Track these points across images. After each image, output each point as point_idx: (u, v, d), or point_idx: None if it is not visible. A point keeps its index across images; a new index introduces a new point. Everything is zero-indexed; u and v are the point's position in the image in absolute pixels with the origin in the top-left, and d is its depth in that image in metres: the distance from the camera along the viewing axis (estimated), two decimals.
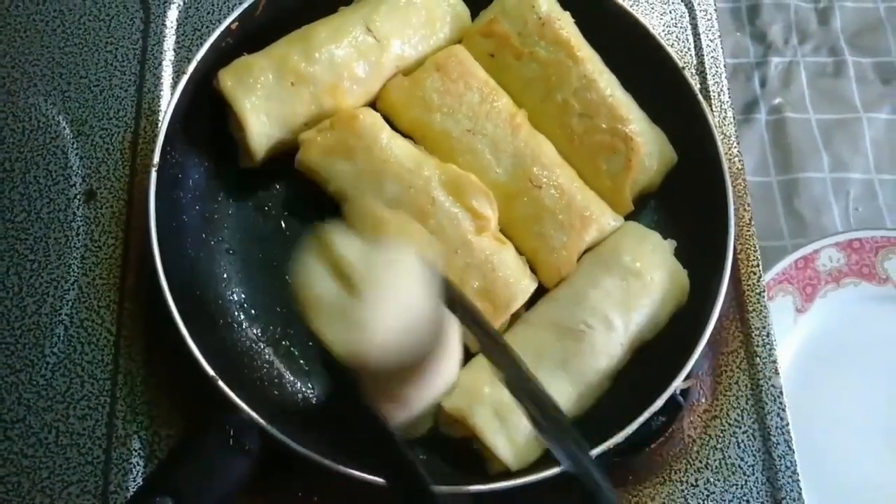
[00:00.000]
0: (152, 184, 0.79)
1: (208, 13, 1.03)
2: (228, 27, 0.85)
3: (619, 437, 0.74)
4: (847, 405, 1.07)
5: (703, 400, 0.91)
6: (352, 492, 0.78)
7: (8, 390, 0.85)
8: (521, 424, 0.72)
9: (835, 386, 1.08)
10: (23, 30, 1.01)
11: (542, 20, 0.87)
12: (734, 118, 1.05)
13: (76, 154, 0.96)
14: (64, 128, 0.97)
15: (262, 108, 0.82)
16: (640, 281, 0.79)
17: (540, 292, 0.84)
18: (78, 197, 0.94)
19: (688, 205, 0.90)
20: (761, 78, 1.30)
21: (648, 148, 0.87)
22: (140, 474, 0.82)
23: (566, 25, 0.88)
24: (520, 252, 0.83)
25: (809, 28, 1.36)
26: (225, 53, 0.86)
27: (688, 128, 0.89)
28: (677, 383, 0.76)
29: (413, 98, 0.86)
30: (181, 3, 1.03)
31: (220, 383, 0.72)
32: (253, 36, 0.87)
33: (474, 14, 0.93)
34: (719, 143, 0.88)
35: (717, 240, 0.84)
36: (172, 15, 1.02)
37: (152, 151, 0.85)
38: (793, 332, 1.12)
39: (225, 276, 0.87)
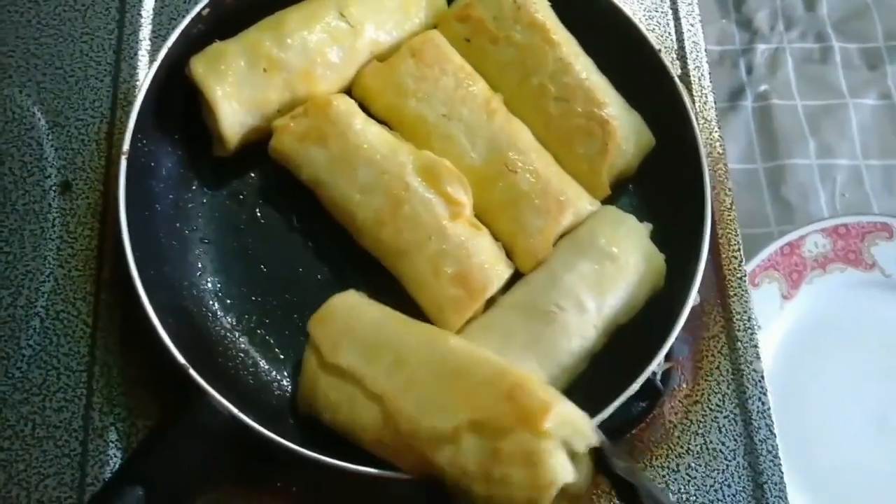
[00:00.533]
0: (122, 172, 0.78)
1: (184, 1, 1.02)
2: (199, 13, 0.85)
3: (596, 421, 0.73)
4: (833, 391, 1.08)
5: (685, 385, 0.90)
6: (330, 481, 0.78)
7: None
8: None
9: (821, 372, 1.09)
10: None
11: (518, 4, 0.86)
12: (715, 103, 1.04)
13: (51, 145, 0.95)
14: (39, 119, 0.96)
15: (234, 95, 0.81)
16: (616, 264, 0.79)
17: (516, 278, 0.83)
18: (53, 188, 0.93)
19: (666, 189, 0.90)
20: (747, 65, 1.29)
21: (625, 132, 0.86)
22: (117, 466, 0.82)
23: (541, 9, 0.87)
24: (496, 237, 0.82)
25: (796, 14, 1.35)
26: (197, 40, 0.85)
27: (666, 112, 0.89)
28: (654, 367, 0.75)
29: (388, 84, 0.85)
30: None
31: (192, 372, 0.72)
32: (225, 22, 0.86)
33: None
34: (696, 127, 0.87)
35: (695, 224, 0.84)
36: (148, 4, 1.02)
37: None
38: (779, 319, 1.12)
39: (199, 265, 0.87)
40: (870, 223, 1.18)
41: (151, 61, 0.97)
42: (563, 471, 0.63)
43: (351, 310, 0.77)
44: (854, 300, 1.15)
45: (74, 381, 0.85)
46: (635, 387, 0.75)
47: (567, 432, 0.64)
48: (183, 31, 0.83)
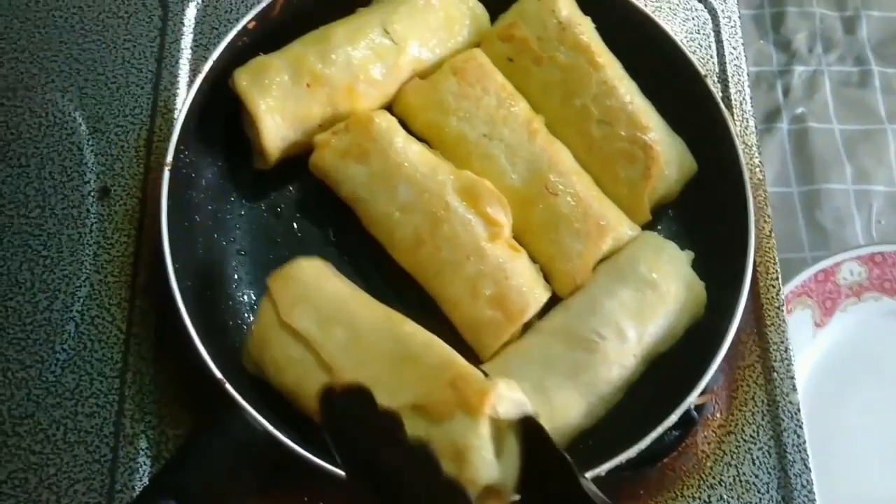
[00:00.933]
0: (165, 183, 0.79)
1: (226, 11, 1.03)
2: (245, 26, 0.85)
3: (631, 452, 0.72)
4: (865, 422, 1.05)
5: (718, 415, 0.89)
6: (358, 499, 0.78)
7: (17, 386, 0.85)
8: None
9: (853, 402, 1.06)
10: (42, 26, 1.02)
11: (562, 25, 0.86)
12: (756, 128, 1.03)
13: (91, 151, 0.96)
14: (80, 124, 0.97)
15: (277, 108, 0.81)
16: (656, 292, 0.77)
17: (554, 301, 0.82)
18: (92, 194, 0.94)
19: (707, 215, 0.88)
20: (784, 87, 1.27)
21: (668, 157, 0.85)
22: (147, 474, 0.82)
23: (586, 31, 0.87)
24: (534, 260, 0.82)
25: (835, 37, 1.33)
26: (241, 53, 0.85)
27: (709, 137, 0.88)
28: (692, 399, 0.74)
29: (429, 101, 0.85)
30: (199, 1, 1.03)
31: (228, 386, 0.72)
32: (270, 35, 0.87)
33: (493, 17, 0.92)
34: (741, 153, 0.86)
35: (737, 252, 0.83)
36: (191, 13, 1.02)
37: (167, 150, 0.85)
38: (811, 347, 1.09)
39: (236, 276, 0.87)
40: None
41: (192, 70, 0.99)
42: (487, 470, 0.62)
43: (316, 277, 0.78)
44: (889, 330, 1.12)
45: (107, 387, 0.85)
46: (673, 418, 0.73)
47: (507, 407, 0.63)
48: (228, 44, 0.84)
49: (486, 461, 0.62)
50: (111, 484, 0.82)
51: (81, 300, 0.89)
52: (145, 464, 0.82)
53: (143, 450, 0.83)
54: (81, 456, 0.83)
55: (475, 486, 0.61)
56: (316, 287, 0.77)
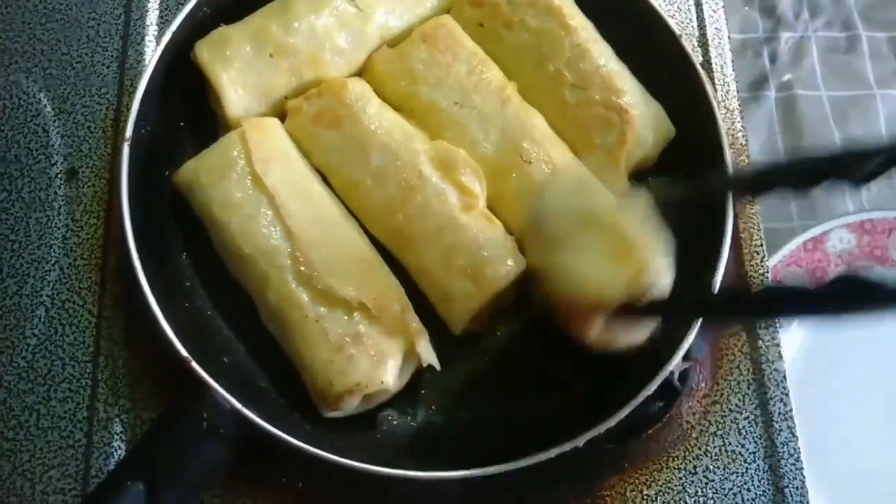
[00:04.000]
0: (125, 160, 0.77)
1: None
2: None
3: (611, 422, 0.71)
4: (855, 392, 1.04)
5: (703, 385, 0.87)
6: (336, 477, 0.76)
7: None
8: None
9: (843, 373, 1.05)
10: (4, 6, 0.99)
11: None
12: (738, 92, 1.00)
13: (57, 132, 0.94)
14: (45, 105, 0.95)
15: (240, 80, 0.79)
16: None
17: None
18: (59, 176, 0.92)
19: (686, 181, 0.86)
20: (771, 54, 1.25)
21: (644, 121, 0.83)
22: (121, 457, 0.81)
23: None
24: (508, 229, 0.80)
25: (821, 2, 1.30)
26: (203, 24, 0.83)
27: (686, 100, 0.85)
28: (672, 366, 0.72)
29: (399, 70, 0.83)
30: None
31: (194, 364, 0.70)
32: (231, 6, 0.84)
33: None
34: (719, 117, 0.83)
35: (716, 218, 0.80)
36: None
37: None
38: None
39: (205, 258, 0.85)
40: None
41: (158, 47, 0.96)
42: (391, 378, 0.73)
43: (289, 144, 0.81)
44: None
45: (79, 372, 0.84)
46: (652, 388, 0.72)
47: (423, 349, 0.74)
48: (188, 16, 0.81)
49: (393, 372, 0.73)
50: (86, 468, 0.80)
51: (51, 284, 0.87)
52: (120, 447, 0.81)
53: (117, 434, 0.81)
54: (55, 441, 0.81)
55: (382, 387, 0.72)
56: (288, 153, 0.80)
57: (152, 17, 0.99)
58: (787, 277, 1.11)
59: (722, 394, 0.87)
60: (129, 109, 0.79)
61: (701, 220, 0.83)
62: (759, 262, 0.93)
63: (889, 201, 1.17)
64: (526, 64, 0.84)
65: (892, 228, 1.13)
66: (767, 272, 0.93)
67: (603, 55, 0.83)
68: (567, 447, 0.70)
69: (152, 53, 0.94)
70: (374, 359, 0.71)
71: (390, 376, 0.72)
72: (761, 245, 0.93)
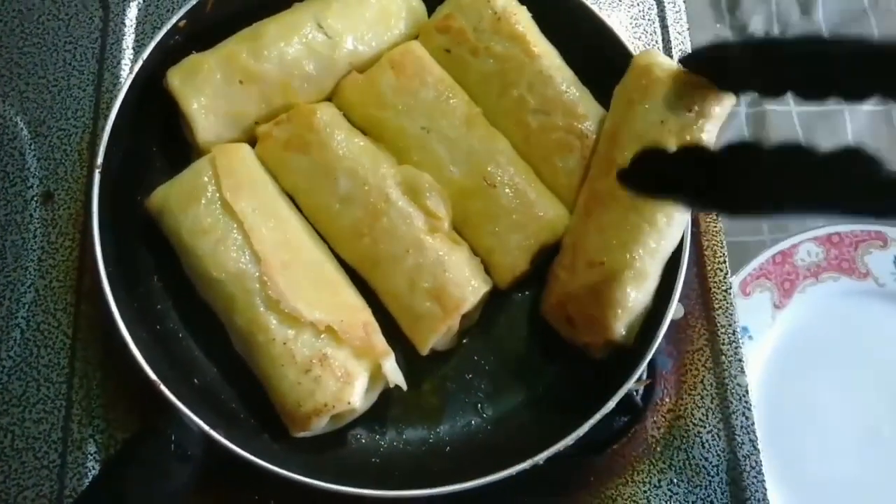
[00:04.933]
0: (95, 186, 0.78)
1: (167, 11, 1.02)
2: (176, 24, 0.84)
3: (570, 439, 0.72)
4: (825, 401, 1.06)
5: (668, 399, 0.89)
6: (306, 496, 0.78)
7: None
8: None
9: (813, 382, 1.07)
10: None
11: (498, 15, 0.85)
12: None
13: (34, 155, 0.95)
14: (21, 129, 0.96)
15: (211, 107, 0.81)
16: None
17: (494, 293, 0.82)
18: (35, 199, 0.93)
19: None
20: None
21: None
22: (91, 479, 0.81)
23: (522, 20, 0.86)
24: (474, 251, 0.82)
25: (791, 19, 1.33)
26: (174, 51, 0.84)
27: None
28: (629, 385, 0.74)
29: (368, 96, 0.85)
30: (140, 2, 1.02)
31: (163, 388, 0.71)
32: (203, 34, 0.86)
33: (430, 10, 0.91)
34: None
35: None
36: (131, 13, 1.01)
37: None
38: (771, 328, 1.10)
39: (174, 282, 0.86)
40: (863, 231, 1.16)
41: (130, 74, 0.98)
42: (358, 398, 0.75)
43: (257, 167, 0.83)
44: (847, 309, 1.13)
45: (54, 393, 0.85)
46: (611, 405, 0.74)
47: (389, 370, 0.76)
48: (159, 43, 0.83)
49: (359, 392, 0.75)
50: (60, 489, 0.81)
51: (27, 306, 0.89)
52: (94, 468, 0.82)
53: (91, 454, 0.83)
54: (30, 462, 0.82)
55: (348, 406, 0.74)
56: (258, 178, 0.82)
57: (128, 41, 1.00)
58: (756, 290, 1.14)
59: (686, 408, 0.89)
60: (102, 135, 0.81)
61: None
62: (721, 278, 0.95)
63: None
64: (491, 89, 0.86)
65: (859, 241, 1.16)
66: (730, 289, 0.95)
67: (565, 81, 0.86)
68: (527, 465, 0.71)
69: (125, 80, 0.97)
70: (341, 380, 0.73)
71: (357, 397, 0.74)
72: (724, 262, 0.96)
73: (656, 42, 1.05)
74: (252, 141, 0.84)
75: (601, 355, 0.78)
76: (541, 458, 0.71)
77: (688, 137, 0.72)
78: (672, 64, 0.77)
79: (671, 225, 0.76)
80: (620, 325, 0.75)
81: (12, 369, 0.86)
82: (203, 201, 0.78)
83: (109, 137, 0.79)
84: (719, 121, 0.75)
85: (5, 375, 0.86)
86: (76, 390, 0.85)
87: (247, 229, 0.76)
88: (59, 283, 0.90)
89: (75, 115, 0.97)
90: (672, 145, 0.72)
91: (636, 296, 0.76)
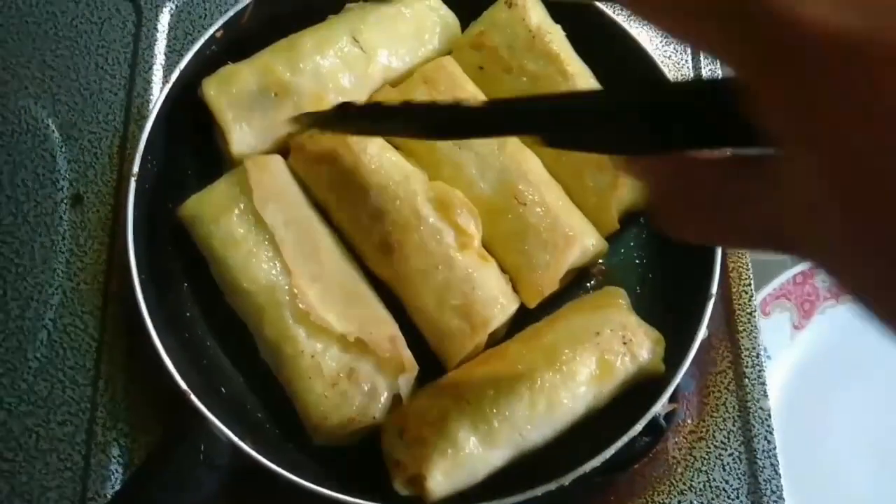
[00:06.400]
0: (131, 194, 0.79)
1: (200, 17, 1.03)
2: (213, 35, 0.85)
3: (594, 463, 0.73)
4: (842, 423, 1.06)
5: (690, 421, 0.89)
6: None
7: None
8: None
9: (831, 403, 1.07)
10: (15, 32, 1.01)
11: (533, 33, 0.85)
12: None
13: (64, 157, 0.96)
14: (53, 131, 0.97)
15: (245, 118, 0.81)
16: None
17: (522, 311, 0.83)
18: (65, 201, 0.94)
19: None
20: None
21: None
22: (118, 481, 0.82)
23: (556, 39, 0.86)
24: (502, 269, 0.82)
25: None
26: (210, 61, 0.85)
27: None
28: (657, 408, 0.74)
29: None
30: (173, 7, 1.03)
31: (193, 397, 0.72)
32: (239, 44, 0.86)
33: (464, 26, 0.92)
34: None
35: (704, 260, 0.83)
36: (164, 18, 1.02)
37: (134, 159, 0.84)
38: (790, 349, 1.10)
39: (206, 289, 0.86)
40: None
41: (166, 76, 0.99)
42: (382, 410, 0.75)
43: (288, 179, 0.83)
44: (866, 332, 1.12)
45: (79, 395, 0.86)
46: (638, 428, 0.74)
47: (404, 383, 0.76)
48: (196, 53, 0.83)
49: (385, 405, 0.75)
50: (83, 491, 0.82)
51: (54, 308, 0.89)
52: (117, 471, 0.83)
53: (114, 457, 0.83)
54: (53, 463, 0.83)
55: (372, 422, 0.74)
56: (290, 190, 0.82)
57: (160, 46, 1.01)
58: (776, 310, 1.13)
59: (707, 430, 0.89)
60: (136, 141, 0.81)
61: (689, 260, 0.85)
62: (746, 301, 0.95)
63: None
64: None
65: None
66: (754, 312, 0.95)
67: None
68: (553, 486, 0.71)
69: (161, 83, 0.98)
70: (368, 394, 0.73)
71: (382, 411, 0.74)
72: (749, 285, 0.96)
73: (686, 62, 1.05)
74: (285, 152, 0.85)
75: (402, 489, 0.72)
76: (567, 479, 0.71)
77: None
78: None
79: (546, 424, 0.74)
80: (438, 471, 0.70)
81: (38, 370, 0.87)
82: (235, 212, 0.78)
83: (145, 146, 0.79)
84: None
85: (31, 376, 0.86)
86: (101, 393, 0.86)
87: (278, 241, 0.76)
88: (87, 286, 0.90)
89: (106, 118, 0.97)
90: None
91: (476, 450, 0.71)
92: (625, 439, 0.73)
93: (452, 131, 0.56)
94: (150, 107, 0.90)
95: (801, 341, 1.11)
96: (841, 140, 0.25)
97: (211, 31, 0.84)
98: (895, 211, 0.25)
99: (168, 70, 0.99)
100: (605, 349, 0.75)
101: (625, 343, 0.76)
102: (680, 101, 0.35)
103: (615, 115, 0.38)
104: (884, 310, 0.28)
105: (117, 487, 0.82)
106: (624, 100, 0.38)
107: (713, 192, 0.33)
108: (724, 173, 0.33)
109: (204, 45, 0.84)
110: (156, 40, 1.01)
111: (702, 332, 0.78)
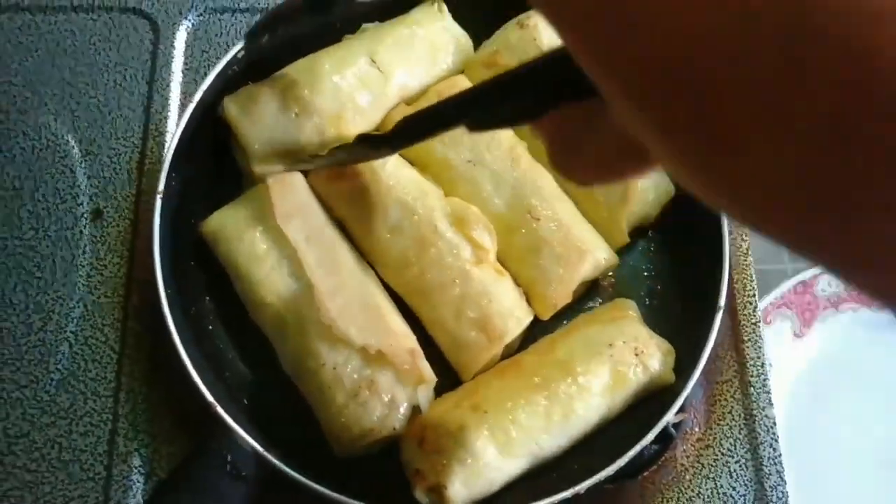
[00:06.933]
0: (157, 212, 0.81)
1: (216, 35, 1.05)
2: (235, 55, 0.87)
3: (608, 471, 0.75)
4: (844, 430, 1.08)
5: (697, 429, 0.92)
6: None
7: (13, 405, 0.87)
8: None
9: (833, 411, 1.09)
10: (35, 50, 1.03)
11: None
12: None
13: (84, 173, 0.98)
14: (73, 147, 0.99)
15: (267, 137, 0.83)
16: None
17: (535, 323, 0.85)
18: (85, 216, 0.96)
19: (684, 236, 0.91)
20: None
21: (645, 181, 0.87)
22: (140, 491, 0.84)
23: None
24: (516, 282, 0.84)
25: None
26: (231, 82, 0.87)
27: None
28: (668, 418, 0.77)
29: None
30: (189, 25, 1.05)
31: (220, 410, 0.74)
32: (259, 63, 0.88)
33: (477, 45, 0.94)
34: None
35: (712, 273, 0.85)
36: (181, 36, 1.04)
37: (158, 173, 0.87)
38: (791, 357, 1.12)
39: (227, 302, 0.88)
40: None
41: (183, 93, 1.01)
42: (401, 420, 0.77)
43: (308, 194, 0.85)
44: (866, 339, 1.16)
45: (100, 406, 0.87)
46: (650, 437, 0.76)
47: (423, 394, 0.78)
48: (218, 74, 0.85)
49: (404, 415, 0.77)
50: (105, 501, 0.83)
51: (75, 321, 0.91)
52: (139, 481, 0.84)
53: (136, 467, 0.85)
54: (76, 474, 0.84)
55: (392, 431, 0.76)
56: (310, 207, 0.84)
57: (177, 63, 1.03)
58: (777, 318, 1.16)
59: (715, 438, 0.91)
60: (156, 157, 0.83)
61: (697, 273, 0.88)
62: (751, 311, 0.97)
63: None
64: None
65: None
66: (759, 322, 0.97)
67: None
68: (569, 493, 0.74)
69: (182, 102, 0.99)
70: (388, 405, 0.75)
71: (402, 421, 0.76)
72: (754, 296, 0.98)
73: None
74: (304, 170, 0.87)
75: (422, 498, 0.74)
76: (583, 487, 0.74)
77: None
78: None
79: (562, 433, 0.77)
80: (458, 480, 0.72)
81: (60, 382, 0.88)
82: (258, 228, 0.80)
83: (170, 165, 0.81)
84: None
85: (53, 388, 0.88)
86: (122, 404, 0.87)
87: (300, 256, 0.78)
88: (107, 299, 0.92)
89: (125, 134, 0.99)
90: None
91: (494, 460, 0.73)
92: (637, 448, 0.75)
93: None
94: (172, 124, 0.92)
95: (803, 349, 1.13)
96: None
97: (233, 51, 0.86)
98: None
99: (186, 87, 1.01)
100: (618, 360, 0.78)
101: (637, 354, 0.79)
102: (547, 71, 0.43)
103: (511, 91, 0.46)
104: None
105: (139, 497, 0.83)
106: (511, 77, 0.46)
107: (574, 138, 0.42)
108: (578, 124, 0.41)
109: (226, 66, 0.86)
110: (173, 58, 1.03)
111: (711, 344, 0.80)
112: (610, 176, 0.42)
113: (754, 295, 0.98)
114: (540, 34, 0.89)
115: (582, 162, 0.42)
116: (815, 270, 1.17)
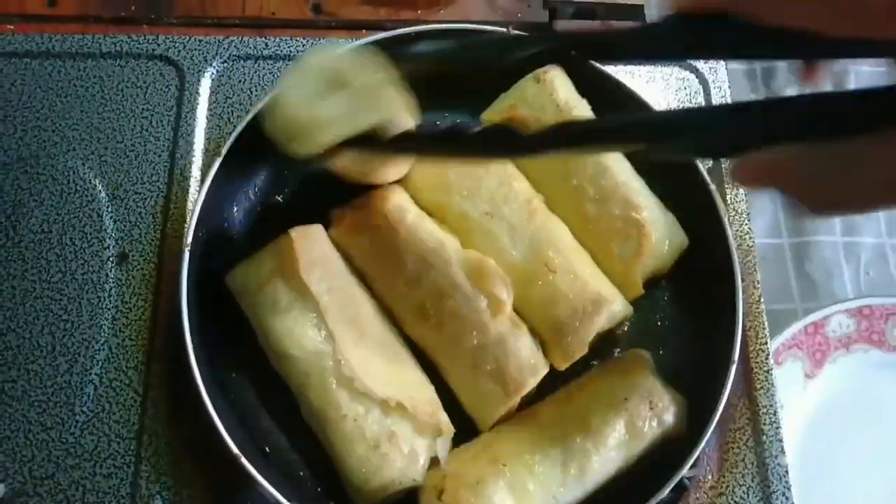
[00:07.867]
0: (185, 262, 0.83)
1: (240, 81, 1.08)
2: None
3: None
4: (855, 471, 1.09)
5: (710, 477, 0.93)
6: None
7: (39, 447, 0.89)
8: None
9: (843, 452, 1.10)
10: (63, 95, 1.06)
11: (560, 108, 0.90)
12: (746, 194, 1.07)
13: (110, 217, 1.00)
14: (100, 191, 1.02)
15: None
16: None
17: (551, 373, 0.86)
18: (111, 259, 0.98)
19: (698, 287, 0.93)
20: None
21: (660, 234, 0.89)
22: None
23: (583, 113, 0.91)
24: (532, 333, 0.86)
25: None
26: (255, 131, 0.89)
27: (698, 212, 0.92)
28: (683, 472, 0.78)
29: (435, 180, 0.90)
30: (214, 72, 1.08)
31: (244, 460, 0.75)
32: None
33: (493, 98, 0.96)
34: (729, 231, 0.90)
35: (724, 323, 0.87)
36: (206, 82, 1.07)
37: (183, 219, 0.89)
38: (802, 397, 1.13)
39: (250, 351, 0.90)
40: (894, 305, 1.20)
41: (207, 138, 1.03)
42: (421, 472, 0.78)
43: (329, 247, 0.87)
44: (877, 380, 1.16)
45: (124, 449, 0.89)
46: (665, 492, 0.77)
47: (442, 445, 0.80)
48: (246, 127, 0.88)
49: (424, 466, 0.79)
50: None
51: (100, 363, 0.93)
52: None
53: None
54: None
55: (412, 483, 0.77)
56: (332, 259, 0.86)
57: (202, 109, 1.05)
58: (788, 359, 1.17)
59: (727, 486, 0.92)
60: (181, 203, 0.84)
61: (710, 324, 0.89)
62: (763, 359, 0.98)
63: (886, 285, 1.23)
64: (551, 178, 0.91)
65: (889, 314, 1.19)
66: (771, 370, 0.98)
67: (622, 172, 0.90)
68: None
69: (206, 147, 1.02)
70: (408, 456, 0.77)
71: (422, 473, 0.78)
72: (766, 343, 0.99)
73: None
74: (326, 222, 0.89)
75: None
76: None
77: None
78: None
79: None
80: None
81: (85, 424, 0.90)
82: (281, 281, 0.82)
83: (198, 219, 0.84)
84: None
85: (78, 430, 0.90)
86: (145, 447, 0.89)
87: (322, 309, 0.80)
88: (132, 342, 0.94)
89: (150, 179, 1.02)
90: None
91: None
92: (653, 501, 0.76)
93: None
94: (197, 169, 0.94)
95: (814, 390, 1.14)
96: None
97: (259, 104, 0.89)
98: None
99: (210, 132, 1.04)
100: (633, 414, 0.79)
101: (651, 408, 0.80)
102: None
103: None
104: None
105: None
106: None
107: (839, 169, 0.45)
108: (846, 150, 0.45)
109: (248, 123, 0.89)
110: (198, 104, 1.05)
111: (724, 399, 0.81)
112: (866, 208, 0.46)
113: (766, 342, 0.99)
114: (556, 89, 0.91)
115: (828, 195, 0.46)
116: (825, 311, 1.18)
